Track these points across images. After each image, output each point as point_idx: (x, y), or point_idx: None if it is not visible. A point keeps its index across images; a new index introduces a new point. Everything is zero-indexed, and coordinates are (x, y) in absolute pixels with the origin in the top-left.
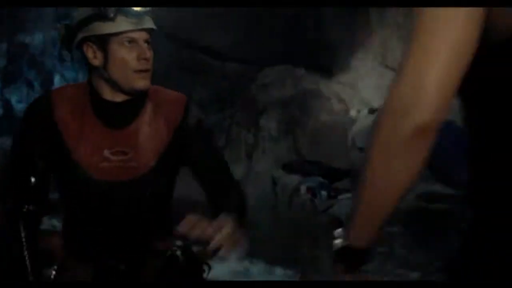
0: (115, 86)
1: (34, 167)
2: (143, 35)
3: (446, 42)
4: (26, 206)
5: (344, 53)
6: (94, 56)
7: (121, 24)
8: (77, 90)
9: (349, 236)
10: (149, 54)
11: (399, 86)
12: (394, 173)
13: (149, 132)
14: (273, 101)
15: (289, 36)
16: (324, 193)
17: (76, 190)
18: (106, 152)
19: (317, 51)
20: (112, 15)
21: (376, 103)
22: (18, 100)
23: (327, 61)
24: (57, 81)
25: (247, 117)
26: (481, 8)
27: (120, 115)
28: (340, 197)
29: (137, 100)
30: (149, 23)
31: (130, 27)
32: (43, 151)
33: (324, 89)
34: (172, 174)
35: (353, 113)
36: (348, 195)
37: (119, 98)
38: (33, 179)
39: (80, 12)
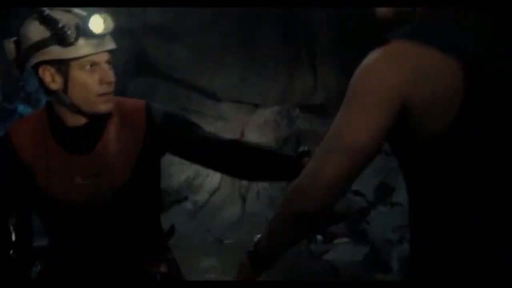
0: (76, 110)
1: (9, 213)
2: (105, 57)
3: (348, 148)
4: (10, 252)
5: (339, 92)
6: (52, 79)
7: (82, 48)
8: (33, 122)
9: (259, 243)
10: (112, 77)
11: (304, 172)
12: (287, 230)
13: (118, 148)
14: (267, 141)
15: (284, 75)
16: (319, 237)
17: (57, 220)
18: (78, 179)
19: (312, 90)
20: (72, 39)
21: None
22: None
23: (322, 101)
24: None
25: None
26: (390, 117)
27: (84, 140)
28: (335, 241)
29: (99, 121)
30: (111, 44)
31: (92, 51)
32: (15, 193)
33: (319, 129)
34: (151, 180)
35: None
36: (345, 239)
37: (81, 121)
38: (12, 229)
39: (34, 32)
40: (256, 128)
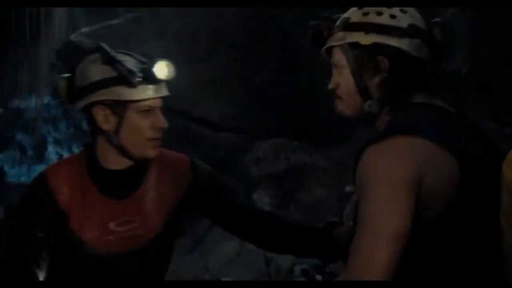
0: (124, 152)
1: (34, 257)
2: (159, 103)
3: (391, 228)
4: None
5: (339, 124)
6: (106, 120)
7: (143, 91)
8: (71, 165)
9: None
10: (165, 123)
11: (356, 261)
12: None
13: (155, 197)
14: (266, 174)
15: (282, 107)
16: (319, 277)
17: (80, 267)
18: (112, 225)
19: (311, 122)
20: (136, 82)
21: None
22: (11, 166)
23: (321, 133)
24: (50, 145)
25: (240, 192)
26: (414, 198)
27: (124, 184)
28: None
29: (141, 167)
30: (166, 91)
31: (151, 95)
32: (45, 235)
33: (318, 162)
34: (176, 232)
35: (348, 188)
36: None
37: (122, 165)
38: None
39: (96, 71)
40: (254, 161)
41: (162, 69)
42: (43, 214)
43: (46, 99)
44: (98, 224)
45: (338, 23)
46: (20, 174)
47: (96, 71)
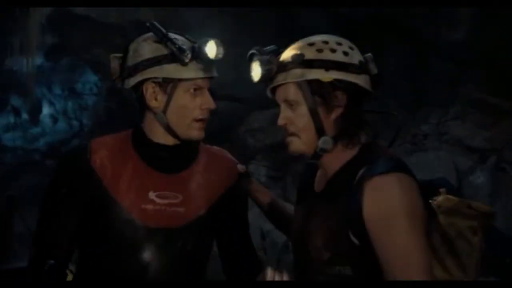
0: (170, 131)
1: (65, 223)
2: (207, 84)
3: (428, 261)
4: (49, 263)
5: None
6: (154, 98)
7: (193, 70)
8: (116, 136)
9: None
10: (213, 104)
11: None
12: None
13: (202, 181)
14: (262, 146)
15: None
16: None
17: (114, 235)
18: (152, 194)
19: None
20: (187, 60)
21: None
22: (5, 129)
23: None
24: (45, 108)
25: None
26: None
27: (172, 160)
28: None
29: (189, 146)
30: (215, 71)
31: (201, 75)
32: (78, 200)
33: None
34: (214, 231)
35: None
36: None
37: (168, 142)
38: (62, 238)
39: (148, 49)
40: (251, 132)
41: (213, 49)
42: (76, 175)
43: (39, 61)
44: (136, 190)
45: (289, 59)
46: (15, 137)
47: (148, 49)
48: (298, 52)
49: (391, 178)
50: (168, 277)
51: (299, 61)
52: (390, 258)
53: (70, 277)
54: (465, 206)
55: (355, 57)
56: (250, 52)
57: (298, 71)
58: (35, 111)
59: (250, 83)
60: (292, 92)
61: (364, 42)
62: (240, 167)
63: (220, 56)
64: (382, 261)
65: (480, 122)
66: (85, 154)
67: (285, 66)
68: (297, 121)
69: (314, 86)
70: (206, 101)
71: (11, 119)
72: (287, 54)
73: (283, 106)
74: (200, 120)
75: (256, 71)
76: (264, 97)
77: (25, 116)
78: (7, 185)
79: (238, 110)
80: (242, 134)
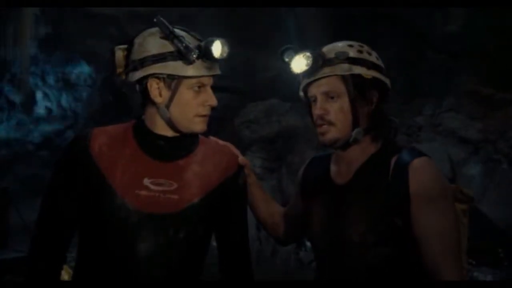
0: (172, 125)
1: (63, 208)
2: (210, 81)
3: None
4: (42, 263)
5: None
6: (159, 93)
7: (198, 68)
8: (118, 127)
9: None
10: (216, 102)
11: (456, 271)
12: None
13: (199, 171)
14: (257, 137)
15: (274, 66)
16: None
17: (107, 220)
18: (146, 181)
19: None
20: (193, 58)
21: None
22: None
23: None
24: (39, 99)
25: None
26: None
27: (170, 149)
28: None
29: (187, 139)
30: (218, 69)
31: (205, 73)
32: (77, 185)
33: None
34: (209, 222)
35: None
36: None
37: (168, 133)
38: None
39: (154, 44)
40: (245, 124)
41: (219, 48)
42: (76, 162)
43: (33, 52)
44: (131, 176)
45: (333, 55)
46: (8, 129)
47: (154, 44)
48: (342, 50)
49: (427, 160)
50: (161, 265)
51: (344, 58)
52: (430, 235)
53: (68, 277)
54: (459, 192)
55: (380, 62)
56: (286, 47)
57: (345, 65)
58: (29, 103)
59: (246, 75)
60: (337, 85)
61: (358, 34)
62: (242, 160)
63: (225, 55)
64: (421, 237)
65: (473, 114)
66: (85, 140)
67: (330, 61)
68: (336, 111)
69: (357, 81)
70: (209, 98)
71: (5, 110)
72: (328, 51)
73: (321, 98)
74: (202, 115)
75: (300, 63)
76: (259, 89)
77: (19, 107)
78: (1, 177)
79: (233, 101)
80: (237, 125)
